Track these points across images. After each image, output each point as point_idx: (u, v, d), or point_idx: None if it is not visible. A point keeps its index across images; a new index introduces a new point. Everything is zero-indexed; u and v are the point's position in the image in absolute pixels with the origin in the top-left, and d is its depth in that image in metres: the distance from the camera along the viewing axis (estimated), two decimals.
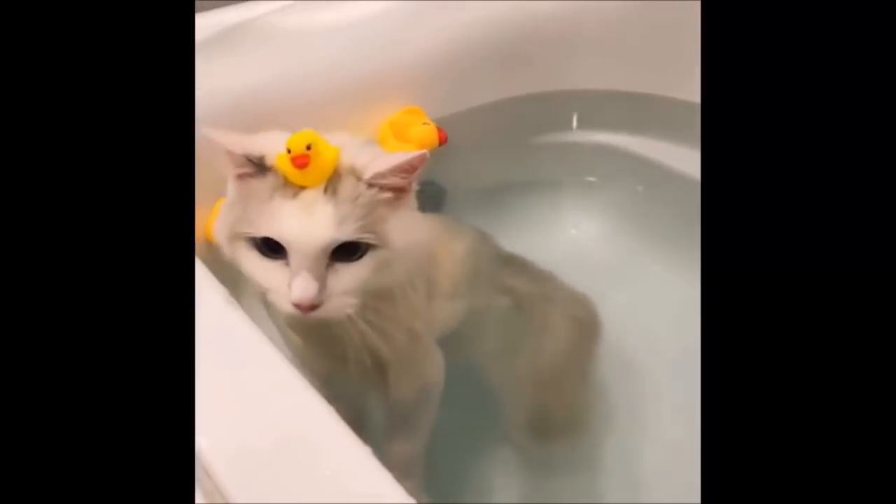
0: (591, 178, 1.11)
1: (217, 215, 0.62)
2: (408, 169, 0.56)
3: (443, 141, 0.98)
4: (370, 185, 0.56)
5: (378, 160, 0.57)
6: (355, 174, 0.56)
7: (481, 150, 1.07)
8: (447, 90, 1.03)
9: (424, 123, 0.97)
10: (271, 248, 0.55)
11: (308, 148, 0.53)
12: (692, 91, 1.01)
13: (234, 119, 0.69)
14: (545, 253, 0.90)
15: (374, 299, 0.59)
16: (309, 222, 0.54)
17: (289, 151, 0.53)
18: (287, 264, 0.55)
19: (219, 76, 0.88)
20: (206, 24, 0.94)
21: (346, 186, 0.55)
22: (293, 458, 0.48)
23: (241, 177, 0.57)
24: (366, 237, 0.55)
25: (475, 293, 0.78)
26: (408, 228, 0.58)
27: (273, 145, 0.56)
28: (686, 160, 0.99)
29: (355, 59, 0.96)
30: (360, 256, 0.56)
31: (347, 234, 0.55)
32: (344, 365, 0.63)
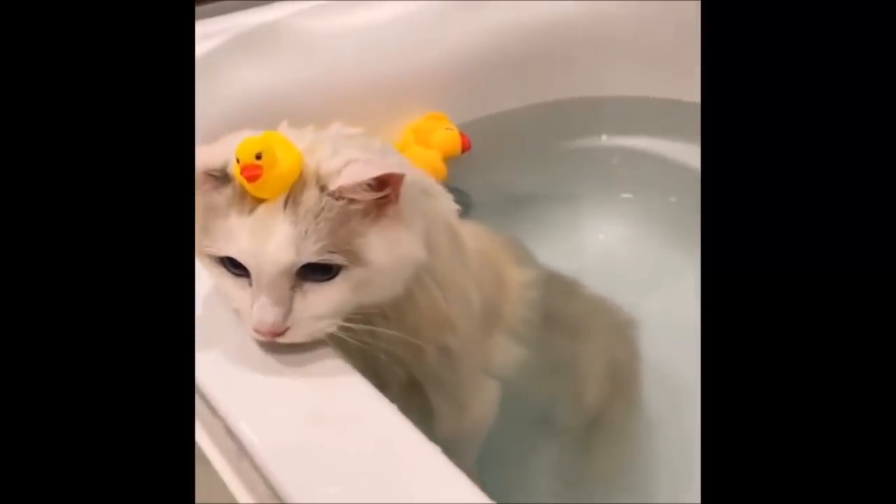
0: (622, 188, 1.07)
1: None
2: (379, 186, 0.49)
3: (466, 147, 0.95)
4: (338, 197, 0.49)
5: (348, 169, 0.49)
6: (320, 183, 0.49)
7: (507, 157, 1.05)
8: (471, 95, 1.01)
9: (447, 129, 0.95)
10: (236, 265, 0.50)
11: (258, 157, 0.46)
12: None
13: (252, 122, 0.68)
14: (572, 260, 0.87)
15: (375, 314, 0.52)
16: (265, 242, 0.48)
17: (237, 161, 0.46)
18: (249, 283, 0.49)
19: (239, 78, 0.86)
20: (227, 25, 0.92)
21: (309, 198, 0.48)
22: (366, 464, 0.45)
23: (204, 189, 0.51)
24: (332, 258, 0.48)
25: (542, 345, 0.70)
26: (393, 244, 0.50)
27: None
28: None
29: (377, 62, 0.95)
30: (333, 276, 0.49)
31: (308, 255, 0.48)
32: (382, 381, 0.56)
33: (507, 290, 0.68)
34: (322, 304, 0.50)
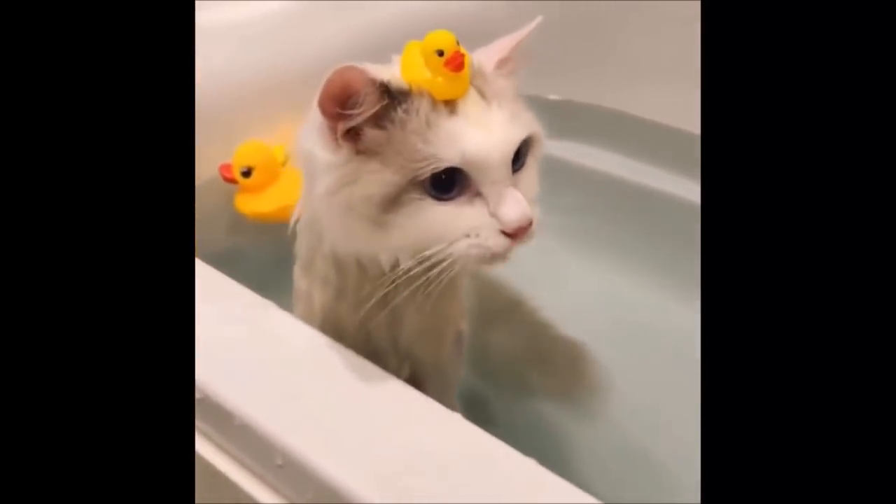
0: None
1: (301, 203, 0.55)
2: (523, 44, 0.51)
3: None
4: (506, 74, 0.50)
5: (489, 51, 0.51)
6: (482, 72, 0.48)
7: None
8: None
9: None
10: (443, 188, 0.45)
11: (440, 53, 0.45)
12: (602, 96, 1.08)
13: None
14: None
15: (436, 297, 0.50)
16: (490, 130, 0.45)
17: (440, 54, 0.44)
18: (471, 197, 0.46)
19: None
20: None
21: (488, 85, 0.47)
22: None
23: (354, 131, 0.46)
24: (533, 131, 0.48)
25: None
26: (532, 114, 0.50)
27: (384, 72, 0.46)
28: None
29: (249, 60, 0.89)
30: (524, 162, 0.48)
31: (524, 130, 0.47)
32: None
33: None
34: (531, 188, 0.49)
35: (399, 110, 0.45)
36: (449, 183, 0.45)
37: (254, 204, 0.82)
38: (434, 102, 0.45)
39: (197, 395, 0.45)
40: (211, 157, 0.81)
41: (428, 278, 0.47)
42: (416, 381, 0.58)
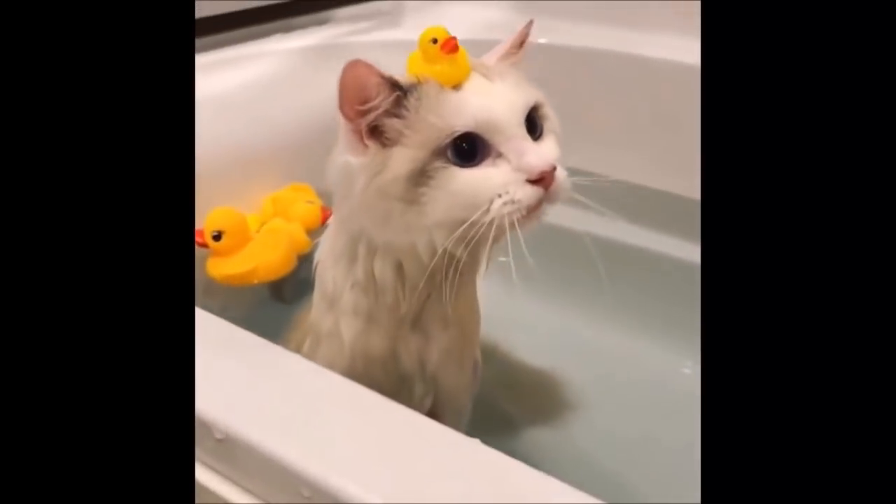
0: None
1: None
2: (520, 43, 0.56)
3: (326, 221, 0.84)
4: (511, 63, 0.55)
5: (489, 54, 0.56)
6: (482, 63, 0.54)
7: None
8: None
9: (308, 202, 0.92)
10: (466, 156, 0.49)
11: (434, 41, 0.51)
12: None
13: None
14: None
15: (457, 337, 0.57)
16: (499, 92, 0.50)
17: (435, 41, 0.50)
18: (494, 159, 0.49)
19: None
20: None
21: (490, 70, 0.52)
22: None
23: (377, 129, 0.50)
24: (539, 98, 0.53)
25: None
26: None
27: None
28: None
29: (222, 132, 0.90)
30: (541, 132, 0.53)
31: (531, 93, 0.52)
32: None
33: None
34: (553, 152, 0.52)
35: (411, 99, 0.50)
36: (471, 150, 0.49)
37: (223, 267, 0.83)
38: (441, 86, 0.50)
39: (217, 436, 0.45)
40: None
41: (464, 264, 0.51)
42: (433, 411, 0.61)
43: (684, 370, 0.90)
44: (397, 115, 0.50)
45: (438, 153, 0.49)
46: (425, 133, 0.49)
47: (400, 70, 0.53)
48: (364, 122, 0.50)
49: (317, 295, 0.62)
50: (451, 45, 0.50)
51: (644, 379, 0.89)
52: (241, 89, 0.96)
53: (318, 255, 0.61)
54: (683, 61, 0.99)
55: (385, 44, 1.10)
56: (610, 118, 1.08)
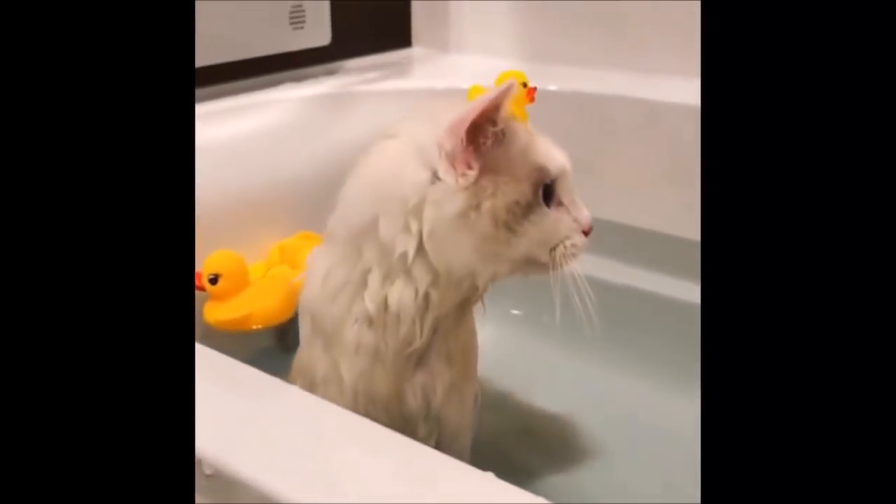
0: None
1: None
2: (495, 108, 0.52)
3: None
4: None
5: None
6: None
7: None
8: None
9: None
10: (546, 198, 0.53)
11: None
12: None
13: None
14: None
15: (460, 372, 0.58)
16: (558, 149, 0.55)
17: (525, 86, 0.56)
18: (557, 206, 0.53)
19: None
20: None
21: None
22: None
23: (478, 151, 0.51)
24: None
25: None
26: None
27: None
28: None
29: (237, 176, 0.90)
30: None
31: None
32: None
33: None
34: None
35: (508, 133, 0.53)
36: (548, 195, 0.53)
37: (218, 312, 0.80)
38: (527, 129, 0.54)
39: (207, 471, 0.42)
40: None
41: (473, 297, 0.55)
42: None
43: None
44: (500, 143, 0.53)
45: (535, 191, 0.52)
46: (527, 169, 0.52)
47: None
48: (484, 144, 0.52)
49: (306, 337, 0.60)
50: (533, 93, 0.56)
51: (664, 427, 0.86)
52: (250, 137, 0.95)
53: (305, 296, 0.59)
54: (689, 103, 0.98)
55: (395, 93, 1.10)
56: (618, 162, 1.07)
